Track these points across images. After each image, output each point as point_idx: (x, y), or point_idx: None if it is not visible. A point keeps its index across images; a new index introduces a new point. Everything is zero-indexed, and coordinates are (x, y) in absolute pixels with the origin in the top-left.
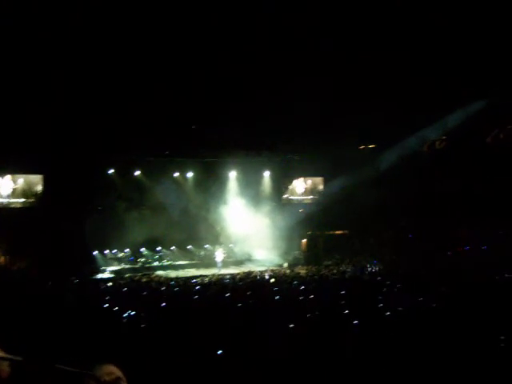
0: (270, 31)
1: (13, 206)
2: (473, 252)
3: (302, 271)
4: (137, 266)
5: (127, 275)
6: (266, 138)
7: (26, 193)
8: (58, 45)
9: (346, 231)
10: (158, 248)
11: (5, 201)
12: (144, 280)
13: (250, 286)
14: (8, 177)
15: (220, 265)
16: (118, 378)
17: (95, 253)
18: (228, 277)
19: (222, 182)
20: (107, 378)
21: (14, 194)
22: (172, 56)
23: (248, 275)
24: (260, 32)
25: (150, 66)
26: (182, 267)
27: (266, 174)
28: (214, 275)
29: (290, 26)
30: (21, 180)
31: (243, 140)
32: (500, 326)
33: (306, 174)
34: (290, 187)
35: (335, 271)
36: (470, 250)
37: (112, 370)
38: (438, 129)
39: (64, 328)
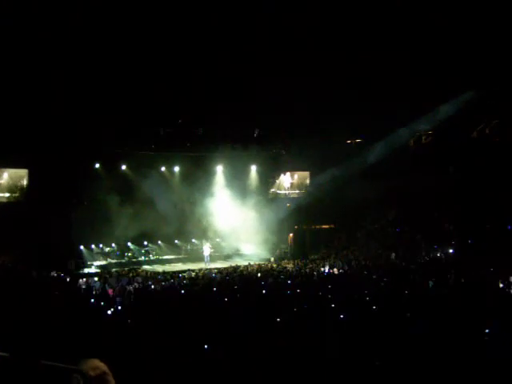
0: (266, 28)
1: None
2: (459, 246)
3: (289, 265)
4: (123, 260)
5: (114, 270)
6: (253, 132)
7: (11, 187)
8: (51, 42)
9: (333, 225)
10: (145, 243)
11: None
12: (131, 275)
13: (237, 280)
14: None
15: (207, 259)
16: (104, 373)
17: (81, 247)
18: (215, 271)
19: (209, 176)
20: (93, 373)
21: None
22: (161, 52)
23: (235, 270)
24: (255, 29)
25: (138, 61)
26: (169, 261)
27: (253, 168)
28: (201, 270)
29: (286, 23)
30: (5, 174)
31: (230, 134)
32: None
33: (293, 168)
34: (277, 181)
35: (322, 265)
36: (455, 244)
37: (98, 365)
38: (425, 123)
39: (50, 323)
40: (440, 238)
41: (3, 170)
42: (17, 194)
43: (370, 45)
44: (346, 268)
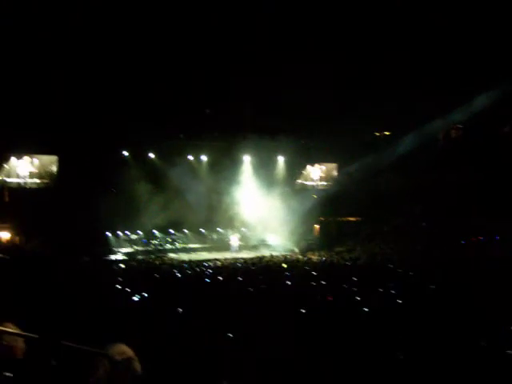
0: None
1: (28, 186)
2: (486, 242)
3: (314, 257)
4: (149, 248)
5: (140, 257)
6: (280, 123)
7: (41, 173)
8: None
9: (359, 218)
10: (171, 231)
11: (22, 181)
12: (157, 262)
13: (262, 270)
14: (25, 158)
15: (235, 249)
16: (130, 358)
17: (108, 234)
18: (241, 261)
19: (236, 166)
20: (119, 358)
21: (30, 174)
22: (188, 42)
23: (260, 260)
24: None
25: (166, 52)
26: (195, 250)
27: (281, 159)
28: (226, 259)
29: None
30: (36, 161)
31: (258, 124)
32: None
33: (320, 159)
34: (305, 172)
35: (347, 257)
36: (483, 240)
37: (124, 350)
38: (454, 117)
39: (77, 307)
40: (468, 233)
41: (33, 156)
42: (46, 180)
43: (399, 36)
44: (372, 261)
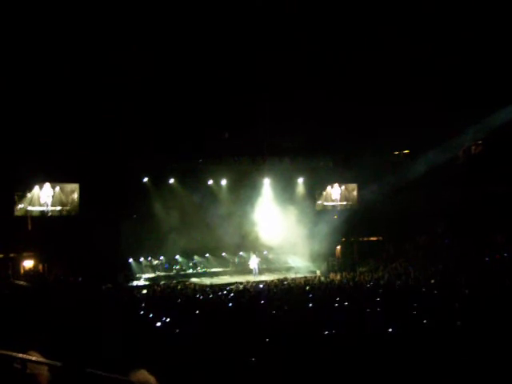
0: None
1: (50, 214)
2: (510, 258)
3: (337, 278)
4: (171, 273)
5: (162, 282)
6: (299, 145)
7: (62, 201)
8: (104, 61)
9: (381, 237)
10: (193, 255)
11: (44, 209)
12: (179, 287)
13: (284, 293)
14: (47, 185)
15: (256, 272)
16: None
17: (130, 260)
18: (262, 284)
19: (256, 189)
20: None
21: (52, 202)
22: (207, 64)
23: (282, 282)
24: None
25: (184, 76)
26: (217, 274)
27: (300, 181)
28: (248, 282)
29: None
30: (57, 188)
31: (277, 146)
32: None
33: (340, 180)
34: (324, 193)
35: (370, 278)
36: (507, 257)
37: (146, 377)
38: (474, 133)
39: (100, 334)
40: (491, 250)
41: (55, 184)
42: (68, 208)
43: (420, 52)
44: (395, 280)
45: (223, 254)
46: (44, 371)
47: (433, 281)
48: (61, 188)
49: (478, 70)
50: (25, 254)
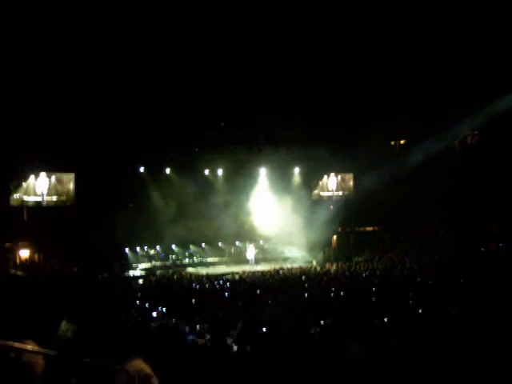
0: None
1: (46, 203)
2: (506, 248)
3: (333, 268)
4: (168, 263)
5: (158, 272)
6: (296, 134)
7: (58, 191)
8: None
9: (377, 227)
10: (189, 245)
11: (40, 199)
12: (175, 277)
13: (280, 282)
14: (43, 174)
15: (252, 262)
16: (148, 375)
17: (126, 250)
18: (258, 274)
19: (252, 179)
20: (138, 374)
21: (48, 192)
22: (199, 55)
23: (278, 272)
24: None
25: (178, 66)
26: (213, 264)
27: (297, 170)
28: (244, 272)
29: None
30: (53, 178)
31: (273, 136)
32: None
33: (336, 169)
34: (321, 183)
35: (366, 268)
36: (503, 247)
37: (142, 367)
38: (470, 123)
39: (95, 324)
40: (487, 240)
41: (51, 173)
42: (63, 198)
43: (414, 42)
44: (391, 270)
45: (219, 243)
46: (39, 360)
47: (428, 271)
48: (56, 178)
49: (475, 60)
50: (20, 244)
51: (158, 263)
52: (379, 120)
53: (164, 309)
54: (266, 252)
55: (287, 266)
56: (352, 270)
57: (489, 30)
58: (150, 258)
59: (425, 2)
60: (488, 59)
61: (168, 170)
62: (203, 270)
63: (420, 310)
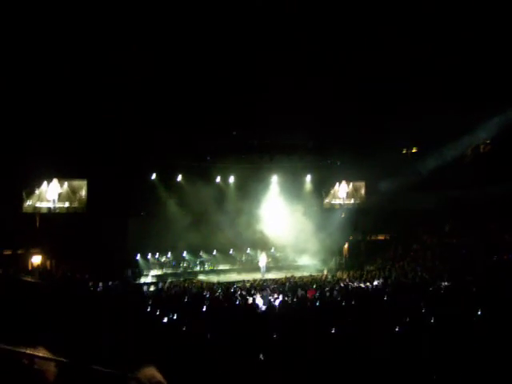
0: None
1: (58, 210)
2: None
3: (344, 276)
4: (179, 270)
5: (169, 280)
6: (307, 143)
7: (70, 197)
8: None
9: (389, 236)
10: (200, 253)
11: (51, 205)
12: (186, 285)
13: (291, 291)
14: (55, 181)
15: (264, 270)
16: (160, 382)
17: (138, 257)
18: (270, 282)
19: (264, 187)
20: (149, 381)
21: (59, 198)
22: (214, 65)
23: (289, 280)
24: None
25: (192, 74)
26: (224, 272)
27: (308, 179)
28: (255, 280)
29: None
30: (65, 185)
31: (284, 144)
32: None
33: (348, 178)
34: (332, 191)
35: (377, 276)
36: None
37: (154, 374)
38: (483, 132)
39: (107, 331)
40: (499, 249)
41: (63, 180)
42: (76, 204)
43: (427, 50)
44: (402, 279)
45: (230, 251)
46: (51, 367)
47: (440, 280)
48: (69, 184)
49: (490, 69)
50: (33, 251)
51: (170, 271)
52: (391, 128)
53: (175, 315)
54: (277, 260)
55: (299, 274)
56: (363, 278)
57: (505, 40)
58: (161, 266)
59: (431, 9)
60: (503, 67)
61: (180, 178)
62: (214, 278)
63: (432, 319)
